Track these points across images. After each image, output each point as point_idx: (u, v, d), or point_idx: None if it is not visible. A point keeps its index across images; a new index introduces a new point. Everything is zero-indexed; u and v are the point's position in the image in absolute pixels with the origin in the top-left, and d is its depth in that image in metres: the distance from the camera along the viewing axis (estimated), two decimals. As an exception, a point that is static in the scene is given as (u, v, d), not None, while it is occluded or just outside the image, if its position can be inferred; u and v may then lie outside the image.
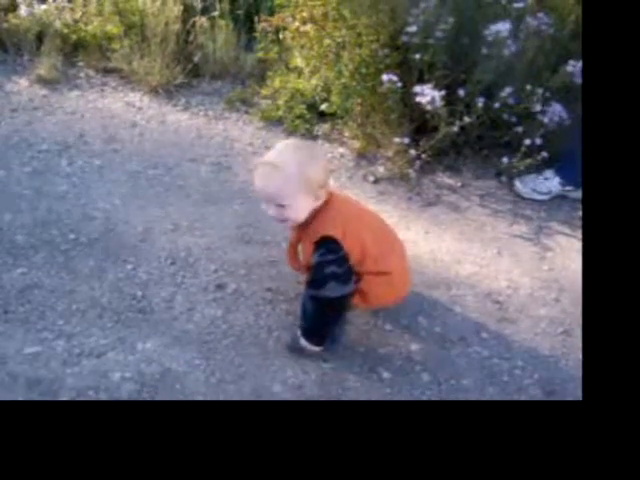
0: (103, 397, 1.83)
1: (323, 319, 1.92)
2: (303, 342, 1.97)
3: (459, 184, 2.76)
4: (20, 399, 1.80)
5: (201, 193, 2.58)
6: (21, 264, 2.19)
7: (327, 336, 1.95)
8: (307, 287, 1.89)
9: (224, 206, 2.54)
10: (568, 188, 2.70)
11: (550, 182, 2.70)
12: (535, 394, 1.96)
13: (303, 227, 1.88)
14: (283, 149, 1.83)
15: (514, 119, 2.69)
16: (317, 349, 1.96)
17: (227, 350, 2.00)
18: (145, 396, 1.85)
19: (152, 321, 2.06)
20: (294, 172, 1.76)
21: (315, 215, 1.84)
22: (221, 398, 1.87)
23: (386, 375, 1.98)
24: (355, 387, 1.94)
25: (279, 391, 1.91)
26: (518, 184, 2.73)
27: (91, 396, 1.83)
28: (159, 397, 1.85)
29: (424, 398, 1.93)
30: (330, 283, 1.82)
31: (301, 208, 1.83)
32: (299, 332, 1.97)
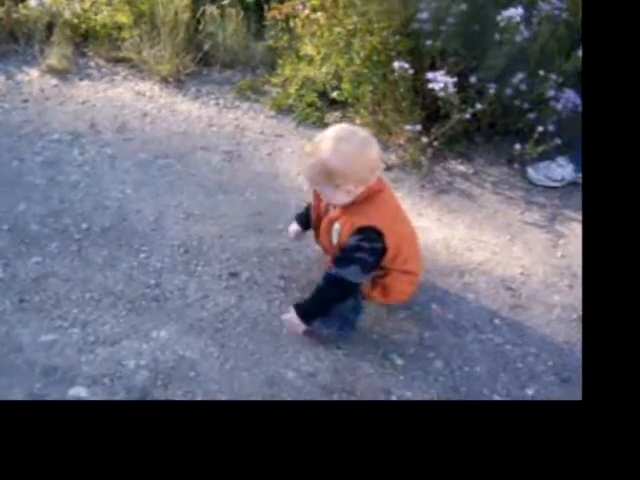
0: (118, 385, 1.84)
1: (325, 297, 1.91)
2: (287, 315, 1.95)
3: (471, 171, 2.75)
4: (37, 386, 1.82)
5: (213, 182, 2.58)
6: (35, 253, 2.20)
7: (316, 317, 1.94)
8: (332, 264, 1.89)
9: (236, 195, 2.54)
10: (581, 175, 2.69)
11: (564, 169, 2.68)
12: (549, 381, 1.96)
13: (348, 208, 1.86)
14: (326, 137, 1.81)
15: (527, 106, 2.67)
16: (297, 324, 1.93)
17: (240, 337, 2.01)
18: (159, 384, 1.86)
19: (166, 309, 2.07)
20: (318, 164, 1.79)
21: (363, 201, 1.84)
22: (235, 385, 1.88)
23: (399, 362, 1.98)
24: (368, 374, 1.94)
25: (292, 378, 1.91)
26: (531, 171, 2.72)
27: (106, 384, 1.84)
28: (173, 385, 1.86)
29: (437, 385, 1.93)
30: (354, 266, 1.82)
31: (332, 197, 1.86)
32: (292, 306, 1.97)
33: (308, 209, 2.12)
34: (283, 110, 2.97)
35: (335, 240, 1.89)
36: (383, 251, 1.84)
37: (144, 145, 2.72)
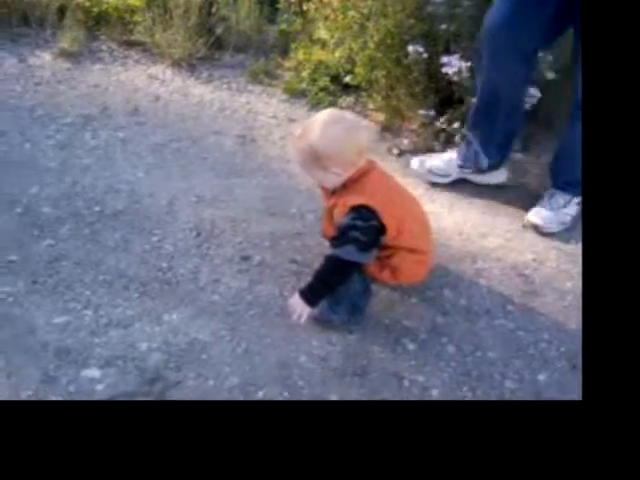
0: (131, 366, 1.85)
1: (325, 278, 1.91)
2: (294, 297, 1.95)
3: (484, 157, 2.72)
4: (50, 367, 1.83)
5: (225, 166, 2.58)
6: (48, 236, 2.21)
7: (319, 299, 1.93)
8: (330, 244, 1.92)
9: (248, 179, 2.53)
10: None
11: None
12: (561, 367, 1.95)
13: (340, 192, 1.89)
14: (315, 120, 1.86)
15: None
16: (302, 308, 1.92)
17: (252, 321, 2.01)
18: (171, 366, 1.86)
19: (178, 292, 2.07)
20: (306, 147, 1.84)
21: (354, 183, 1.86)
22: (247, 368, 1.88)
23: (412, 347, 1.98)
24: (380, 358, 1.94)
25: (304, 361, 1.91)
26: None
27: (119, 365, 1.85)
28: (186, 367, 1.86)
29: (449, 369, 1.93)
30: (348, 246, 1.83)
31: (321, 180, 1.93)
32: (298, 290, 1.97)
33: None
34: (296, 94, 2.95)
35: (336, 224, 1.91)
36: (379, 229, 1.84)
37: (156, 129, 2.72)
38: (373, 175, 1.90)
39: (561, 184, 2.45)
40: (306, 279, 2.13)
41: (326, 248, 2.19)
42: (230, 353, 1.92)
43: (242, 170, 2.57)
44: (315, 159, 1.84)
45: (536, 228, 2.40)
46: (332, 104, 2.90)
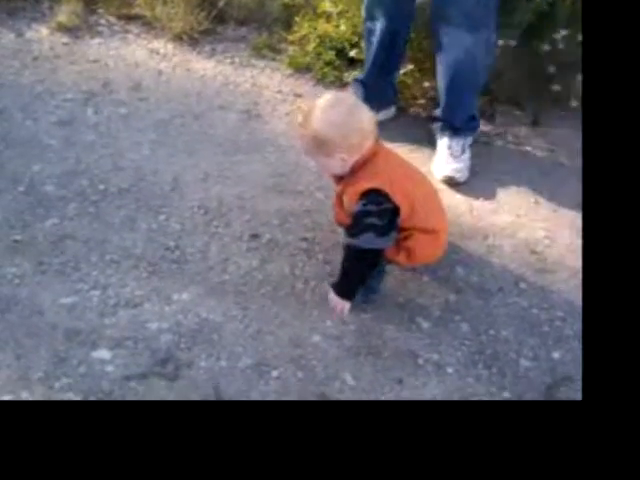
0: (142, 347, 1.82)
1: (352, 270, 1.89)
2: (331, 295, 1.93)
3: (494, 132, 2.68)
4: (60, 348, 1.80)
5: (231, 142, 2.53)
6: (52, 215, 2.16)
7: (354, 291, 1.91)
8: (345, 235, 1.87)
9: (255, 155, 2.48)
10: None
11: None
12: (576, 345, 1.93)
13: (348, 178, 1.84)
14: (315, 106, 1.82)
15: (552, 69, 2.61)
16: (342, 303, 1.92)
17: (264, 300, 1.98)
18: (183, 346, 1.83)
19: (187, 272, 2.04)
20: (308, 134, 1.80)
21: (361, 167, 1.81)
22: (259, 348, 1.85)
23: (425, 325, 1.96)
24: (395, 337, 1.91)
25: (318, 341, 1.89)
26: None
27: (130, 346, 1.82)
28: (197, 348, 1.83)
29: (464, 348, 1.91)
30: (367, 234, 1.79)
31: (326, 166, 1.88)
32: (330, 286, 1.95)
33: None
34: (301, 69, 2.88)
35: (347, 212, 1.87)
36: (394, 211, 1.81)
37: (159, 105, 2.66)
38: (380, 157, 1.84)
39: (454, 129, 2.46)
40: (316, 257, 2.12)
41: (336, 225, 2.16)
42: (242, 333, 1.89)
43: (248, 146, 2.52)
44: (319, 146, 1.79)
45: (451, 181, 2.39)
46: (337, 79, 2.84)
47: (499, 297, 2.06)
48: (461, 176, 2.41)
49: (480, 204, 2.37)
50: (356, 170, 1.82)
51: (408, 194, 1.83)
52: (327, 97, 1.85)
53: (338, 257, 2.09)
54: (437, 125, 2.50)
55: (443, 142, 2.47)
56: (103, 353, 1.81)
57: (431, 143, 2.55)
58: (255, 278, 2.04)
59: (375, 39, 2.44)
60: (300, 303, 1.98)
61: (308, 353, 1.85)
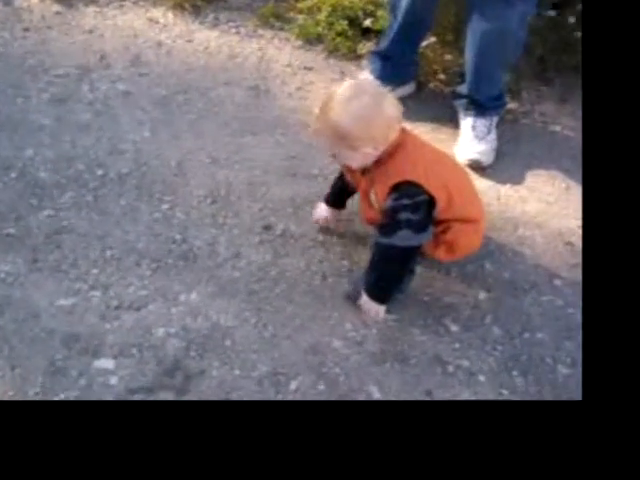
0: (148, 355, 1.67)
1: (388, 271, 1.73)
2: (364, 299, 1.78)
3: (521, 110, 2.50)
4: (58, 357, 1.65)
5: (238, 121, 2.34)
6: (47, 205, 1.99)
7: (390, 293, 1.76)
8: (377, 234, 1.71)
9: (265, 136, 2.30)
10: None
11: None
12: (617, 347, 1.79)
13: (374, 172, 1.67)
14: (334, 97, 1.63)
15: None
16: (377, 308, 1.77)
17: (279, 300, 1.82)
18: (192, 354, 1.68)
19: (195, 268, 1.88)
20: (328, 127, 1.62)
21: (388, 159, 1.64)
22: (275, 354, 1.70)
23: (454, 328, 1.81)
24: (421, 341, 1.77)
25: (339, 347, 1.74)
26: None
27: (134, 354, 1.67)
28: (208, 355, 1.68)
29: (496, 353, 1.76)
30: (402, 231, 1.62)
31: (349, 160, 1.71)
32: (362, 288, 1.78)
33: (339, 184, 1.92)
34: (311, 40, 2.68)
35: (377, 209, 1.71)
36: (429, 203, 1.64)
37: (160, 80, 2.46)
38: (408, 144, 1.67)
39: (479, 107, 2.27)
40: (334, 250, 1.95)
41: (354, 214, 2.00)
42: (256, 338, 1.74)
43: (257, 126, 2.33)
44: (340, 139, 1.62)
45: (476, 164, 2.22)
46: (351, 50, 2.64)
47: (532, 295, 1.90)
48: (486, 159, 2.24)
49: (508, 190, 2.20)
50: (383, 162, 1.65)
51: (444, 183, 1.67)
52: (347, 86, 1.65)
53: (357, 250, 1.96)
54: (461, 103, 2.32)
55: (467, 122, 2.29)
56: (106, 362, 1.65)
57: (453, 122, 2.37)
58: (268, 275, 1.88)
59: (403, 4, 2.23)
60: (318, 303, 1.82)
61: (329, 361, 1.70)
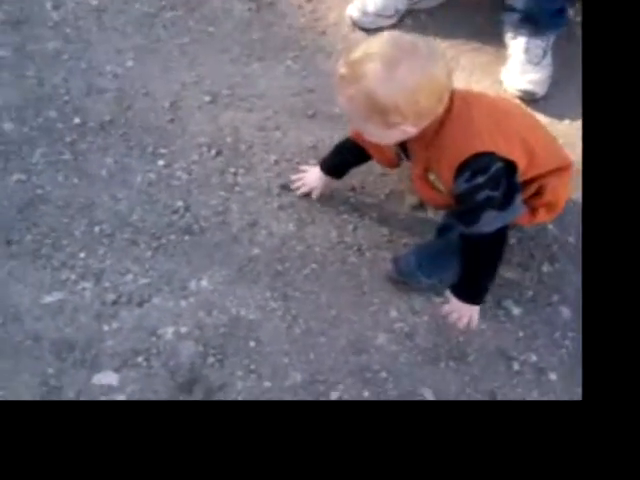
0: (157, 365, 1.39)
1: (482, 265, 1.42)
2: (452, 304, 1.48)
3: (577, 18, 2.08)
4: (50, 372, 1.36)
5: (240, 44, 1.92)
6: (16, 167, 1.62)
7: (487, 290, 1.46)
8: (456, 223, 1.38)
9: (273, 62, 1.90)
10: None
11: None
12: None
13: (427, 150, 1.32)
14: (368, 55, 1.22)
15: None
16: (471, 311, 1.47)
17: (309, 284, 1.52)
18: (211, 361, 1.40)
19: (204, 245, 1.56)
20: (361, 96, 1.23)
21: (440, 131, 1.28)
22: (311, 357, 1.43)
23: (516, 311, 1.53)
24: (480, 330, 1.49)
25: (384, 342, 1.47)
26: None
27: (141, 364, 1.38)
28: (230, 362, 1.40)
29: (567, 343, 1.50)
30: (485, 213, 1.30)
31: (379, 137, 1.34)
32: (449, 289, 1.48)
33: (347, 147, 1.55)
34: None
35: (446, 192, 1.36)
36: (508, 167, 1.31)
37: (140, -10, 2.01)
38: (460, 109, 1.29)
39: (536, 24, 1.87)
40: (371, 215, 1.64)
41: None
42: (286, 335, 1.45)
43: (263, 50, 1.92)
44: (376, 113, 1.23)
45: (529, 96, 1.86)
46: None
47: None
48: (541, 89, 1.88)
49: (567, 128, 1.85)
50: (436, 134, 1.28)
51: (519, 136, 1.34)
52: (390, 40, 1.24)
53: (396, 212, 1.64)
54: (511, 18, 1.90)
55: (519, 43, 1.89)
56: (108, 377, 1.37)
57: (497, 40, 1.97)
58: (293, 250, 1.57)
59: None
60: (355, 285, 1.53)
61: (374, 362, 1.43)
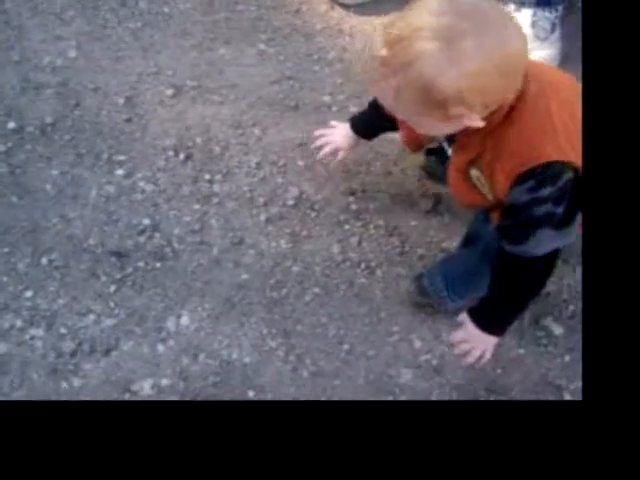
0: (134, 431, 1.10)
1: (516, 290, 1.14)
2: (467, 330, 1.18)
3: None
4: None
5: (202, 25, 1.63)
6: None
7: (511, 324, 1.18)
8: (498, 237, 1.10)
9: (242, 46, 1.62)
10: None
11: None
12: None
13: (483, 139, 1.04)
14: (424, 26, 0.92)
15: None
16: (486, 343, 1.18)
17: (312, 314, 1.26)
18: (202, 419, 1.12)
19: (179, 273, 1.28)
20: (417, 83, 0.93)
21: (513, 124, 1.00)
22: (323, 400, 1.17)
23: (557, 331, 1.30)
24: (519, 356, 1.26)
25: (409, 380, 1.22)
26: None
27: (114, 432, 1.10)
28: (226, 418, 1.13)
29: (619, 362, 1.28)
30: (540, 231, 1.02)
31: (432, 130, 1.08)
32: (465, 312, 1.20)
33: (381, 107, 1.24)
34: None
35: (489, 194, 1.09)
36: (576, 179, 1.03)
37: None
38: (544, 96, 1.02)
39: None
40: (377, 223, 1.38)
41: (392, 161, 1.42)
42: (291, 380, 1.19)
43: (231, 31, 1.64)
44: (431, 107, 0.95)
45: None
46: None
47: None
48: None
49: (585, 109, 1.63)
50: (500, 125, 1.00)
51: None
52: (440, 8, 0.92)
53: (407, 215, 1.38)
54: None
55: (524, 15, 1.65)
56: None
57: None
58: (289, 273, 1.30)
59: None
60: (369, 313, 1.27)
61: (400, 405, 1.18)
